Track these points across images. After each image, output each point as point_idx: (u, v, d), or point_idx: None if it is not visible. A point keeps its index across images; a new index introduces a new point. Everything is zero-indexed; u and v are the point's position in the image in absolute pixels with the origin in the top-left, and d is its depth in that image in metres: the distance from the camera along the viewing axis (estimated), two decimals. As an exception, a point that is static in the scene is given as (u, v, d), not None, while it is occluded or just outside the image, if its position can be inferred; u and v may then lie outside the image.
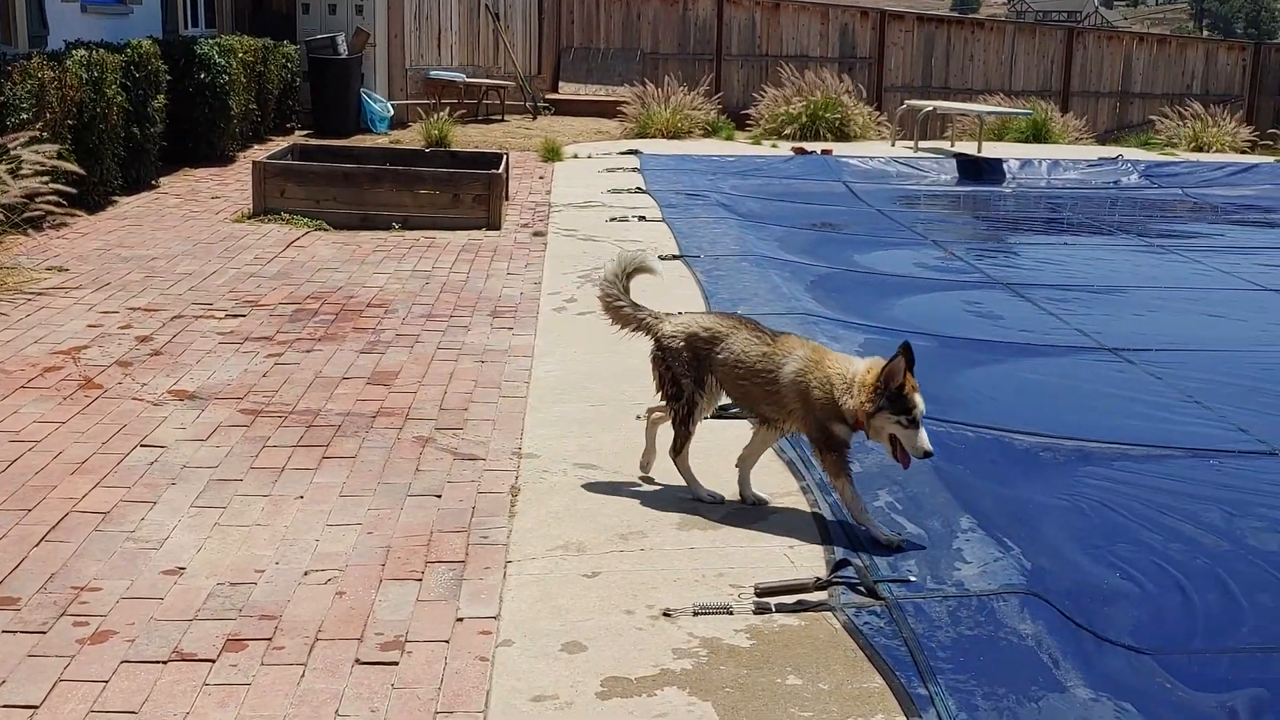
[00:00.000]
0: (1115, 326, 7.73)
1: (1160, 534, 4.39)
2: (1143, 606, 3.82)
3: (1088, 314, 8.04)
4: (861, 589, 3.63)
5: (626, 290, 4.42)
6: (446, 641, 3.33)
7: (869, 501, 4.23)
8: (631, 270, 4.43)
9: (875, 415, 3.88)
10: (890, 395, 3.84)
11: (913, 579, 3.72)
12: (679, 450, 4.30)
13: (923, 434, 3.87)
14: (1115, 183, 15.03)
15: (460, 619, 3.45)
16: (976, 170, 15.05)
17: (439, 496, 4.34)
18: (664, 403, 4.34)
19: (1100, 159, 15.81)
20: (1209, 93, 21.94)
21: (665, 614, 3.47)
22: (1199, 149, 17.88)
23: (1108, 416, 5.91)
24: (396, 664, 3.21)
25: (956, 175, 14.95)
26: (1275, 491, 4.95)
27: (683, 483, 4.35)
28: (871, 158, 15.24)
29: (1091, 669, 3.33)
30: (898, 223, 11.70)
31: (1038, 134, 18.20)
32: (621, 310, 4.39)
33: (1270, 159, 16.93)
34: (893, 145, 16.89)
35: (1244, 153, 17.88)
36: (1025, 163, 15.32)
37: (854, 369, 3.97)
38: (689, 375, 4.21)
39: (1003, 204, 13.91)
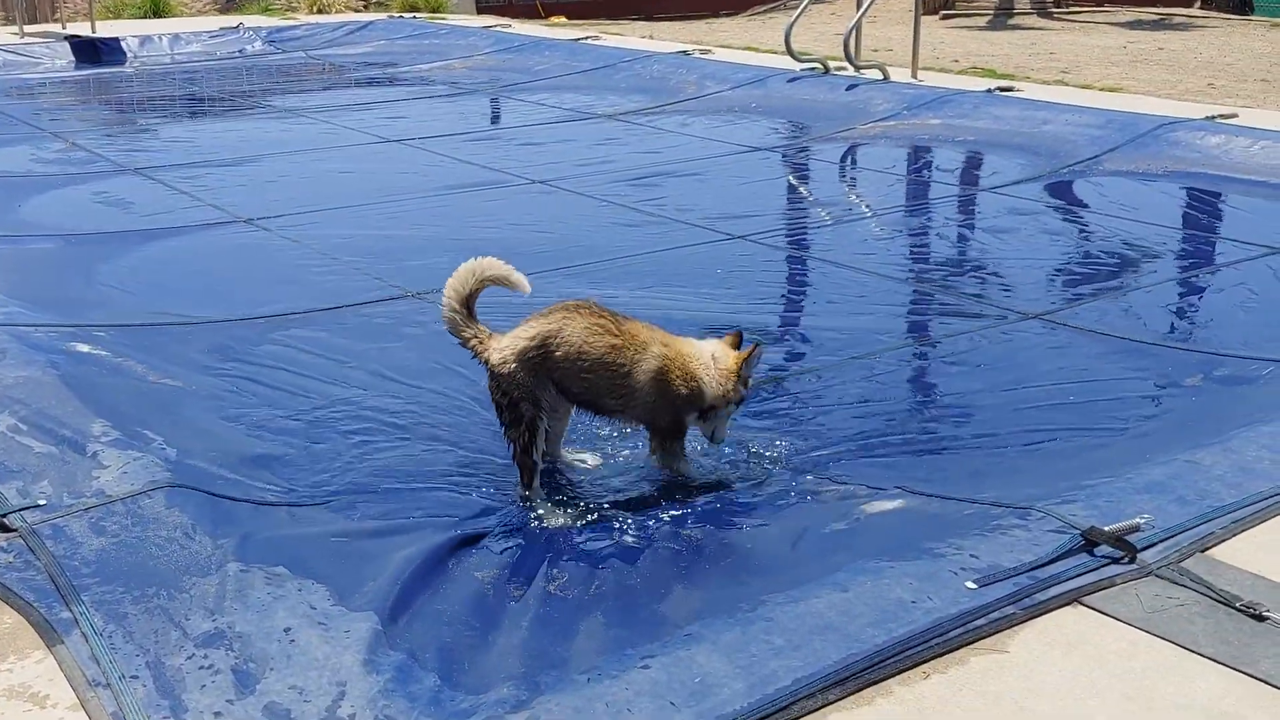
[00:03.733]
0: (250, 197, 7.74)
1: (293, 391, 4.54)
2: (291, 466, 3.92)
3: (222, 187, 7.98)
4: (-11, 527, 3.29)
5: (469, 308, 3.73)
6: None
7: None
8: (479, 283, 3.72)
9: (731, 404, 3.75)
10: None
11: (43, 502, 3.44)
12: (529, 485, 3.70)
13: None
14: (240, 51, 14.97)
15: None
16: (94, 52, 14.14)
17: None
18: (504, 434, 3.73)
19: (222, 29, 15.62)
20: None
21: None
22: (320, 10, 18.34)
23: (255, 289, 5.90)
24: None
25: (73, 60, 13.94)
26: (412, 334, 5.23)
27: None
28: (-29, 48, 13.74)
29: (249, 537, 3.34)
30: (11, 117, 10.70)
31: (158, 9, 17.50)
32: (461, 331, 3.73)
33: (383, 15, 17.88)
34: (-7, 32, 15.31)
35: (360, 11, 18.69)
36: (145, 39, 14.69)
37: (713, 354, 3.72)
38: (527, 398, 3.63)
39: (126, 85, 13.22)
